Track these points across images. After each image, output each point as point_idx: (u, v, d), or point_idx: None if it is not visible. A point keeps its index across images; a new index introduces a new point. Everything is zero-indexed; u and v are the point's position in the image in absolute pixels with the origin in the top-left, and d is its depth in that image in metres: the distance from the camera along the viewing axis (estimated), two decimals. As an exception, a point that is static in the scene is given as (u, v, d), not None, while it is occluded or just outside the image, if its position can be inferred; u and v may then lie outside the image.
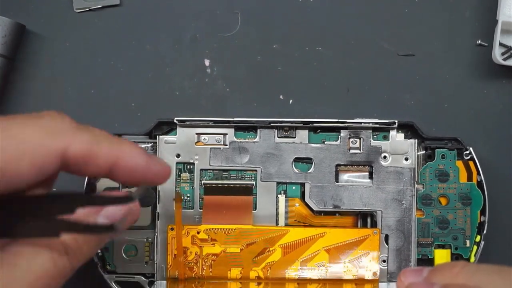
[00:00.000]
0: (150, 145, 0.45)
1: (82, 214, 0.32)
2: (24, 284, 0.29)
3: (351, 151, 0.44)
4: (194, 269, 0.43)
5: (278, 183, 0.44)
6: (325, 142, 0.44)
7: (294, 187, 0.45)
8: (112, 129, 0.46)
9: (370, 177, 0.44)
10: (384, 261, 0.44)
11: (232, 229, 0.43)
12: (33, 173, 0.30)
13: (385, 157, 0.44)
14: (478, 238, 0.44)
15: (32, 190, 0.31)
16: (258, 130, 0.44)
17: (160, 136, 0.44)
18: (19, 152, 0.29)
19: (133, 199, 0.32)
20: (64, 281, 0.31)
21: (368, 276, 0.43)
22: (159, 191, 0.44)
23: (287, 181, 0.44)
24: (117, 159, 0.32)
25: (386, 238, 0.44)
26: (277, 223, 0.44)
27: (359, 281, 0.43)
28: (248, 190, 0.44)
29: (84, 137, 0.31)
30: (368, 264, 0.43)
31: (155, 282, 0.44)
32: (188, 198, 0.44)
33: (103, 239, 0.34)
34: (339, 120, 0.44)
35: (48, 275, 0.30)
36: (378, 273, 0.43)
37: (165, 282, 0.43)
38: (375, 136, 0.44)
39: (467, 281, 0.34)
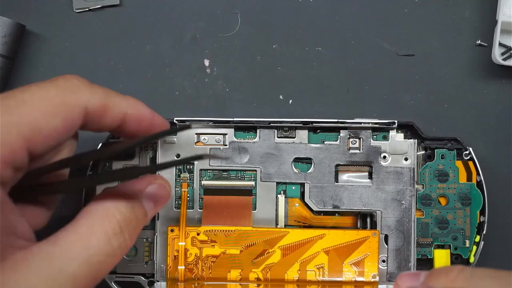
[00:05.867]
0: (150, 145, 0.45)
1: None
2: (80, 263, 0.31)
3: (350, 151, 0.44)
4: (194, 270, 0.43)
5: (277, 183, 0.44)
6: (325, 142, 0.44)
7: (293, 187, 0.45)
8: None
9: (370, 177, 0.44)
10: (383, 261, 0.44)
11: (231, 230, 0.43)
12: (65, 128, 0.32)
13: (384, 157, 0.44)
14: (477, 238, 0.44)
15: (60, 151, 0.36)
16: (258, 130, 0.44)
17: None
18: (51, 109, 0.32)
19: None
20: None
21: (368, 278, 0.43)
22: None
23: (287, 181, 0.44)
24: (127, 109, 0.36)
25: (386, 238, 0.44)
26: (276, 223, 0.44)
27: (359, 283, 0.43)
28: (247, 191, 0.44)
29: (99, 92, 0.34)
30: (367, 266, 0.43)
31: (155, 283, 0.44)
32: (188, 198, 0.44)
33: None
34: (339, 120, 0.44)
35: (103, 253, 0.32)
36: (377, 275, 0.43)
37: (165, 282, 0.43)
38: (374, 136, 0.44)
39: (464, 285, 0.34)
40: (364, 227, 0.45)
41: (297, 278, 0.43)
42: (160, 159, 0.44)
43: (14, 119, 0.30)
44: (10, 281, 0.29)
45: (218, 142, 0.44)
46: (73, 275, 0.30)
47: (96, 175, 0.44)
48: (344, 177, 0.44)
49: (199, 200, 0.44)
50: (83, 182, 0.40)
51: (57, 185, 0.36)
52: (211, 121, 0.44)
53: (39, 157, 0.33)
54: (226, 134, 0.44)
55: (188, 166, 0.44)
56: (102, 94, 0.34)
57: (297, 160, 0.44)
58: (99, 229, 0.32)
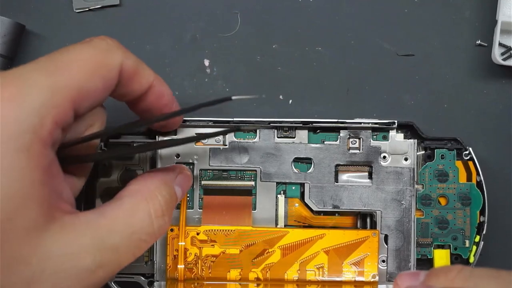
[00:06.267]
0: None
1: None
2: (123, 237, 0.32)
3: (350, 151, 0.44)
4: (194, 270, 0.43)
5: (277, 183, 0.44)
6: (325, 142, 0.44)
7: (293, 187, 0.45)
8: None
9: (370, 177, 0.44)
10: (383, 261, 0.44)
11: (231, 230, 0.43)
12: (105, 88, 0.34)
13: (384, 157, 0.44)
14: (477, 238, 0.44)
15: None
16: (258, 130, 0.44)
17: (160, 136, 0.44)
18: (91, 70, 0.33)
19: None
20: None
21: (367, 278, 0.43)
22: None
23: (287, 181, 0.44)
24: (154, 81, 0.37)
25: (386, 238, 0.44)
26: (276, 223, 0.44)
27: (358, 283, 0.43)
28: (247, 191, 0.44)
29: (132, 55, 0.35)
30: (367, 266, 0.43)
31: (155, 283, 0.44)
32: (188, 198, 0.44)
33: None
34: (339, 120, 0.44)
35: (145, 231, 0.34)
36: (377, 275, 0.43)
37: (164, 282, 0.43)
38: (374, 136, 0.44)
39: (463, 285, 0.34)
40: (364, 227, 0.45)
41: (297, 278, 0.43)
42: (160, 159, 0.44)
43: (61, 81, 0.31)
44: (57, 242, 0.30)
45: (218, 142, 0.44)
46: (115, 247, 0.32)
47: (131, 146, 0.44)
48: (344, 177, 0.44)
49: (199, 200, 0.44)
50: (113, 152, 0.43)
51: (88, 156, 0.38)
52: (211, 121, 0.44)
53: (80, 117, 0.35)
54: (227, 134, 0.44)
55: (188, 166, 0.44)
56: (134, 58, 0.35)
57: (297, 160, 0.44)
58: (143, 209, 0.34)
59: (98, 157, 0.41)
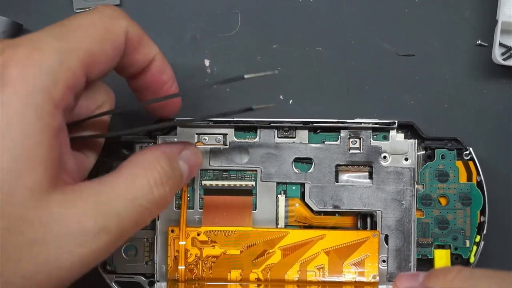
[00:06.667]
0: (150, 144, 0.45)
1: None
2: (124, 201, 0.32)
3: (351, 151, 0.44)
4: (194, 271, 0.43)
5: (278, 183, 0.44)
6: (325, 142, 0.44)
7: (294, 187, 0.45)
8: (112, 128, 0.46)
9: (370, 177, 0.44)
10: (384, 261, 0.44)
11: (232, 231, 0.43)
12: (113, 53, 0.34)
13: (385, 157, 0.44)
14: (478, 238, 0.44)
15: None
16: (258, 130, 0.44)
17: (160, 136, 0.44)
18: (100, 34, 0.33)
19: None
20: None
21: (368, 278, 0.43)
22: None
23: (287, 181, 0.44)
24: (157, 54, 0.37)
25: (386, 238, 0.44)
26: (277, 223, 0.44)
27: (359, 283, 0.43)
28: (247, 191, 0.44)
29: (137, 24, 0.35)
30: (367, 267, 0.43)
31: (155, 283, 0.44)
32: (189, 198, 0.44)
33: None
34: (339, 120, 0.44)
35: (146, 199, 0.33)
36: (378, 275, 0.43)
37: (165, 283, 0.43)
38: (375, 136, 0.44)
39: (462, 286, 0.34)
40: (364, 227, 0.45)
41: (297, 279, 0.43)
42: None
43: (72, 44, 0.31)
44: (59, 206, 0.30)
45: (218, 142, 0.44)
46: (117, 211, 0.32)
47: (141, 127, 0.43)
48: (344, 177, 0.44)
49: (200, 200, 0.44)
50: (123, 132, 0.42)
51: (98, 134, 0.38)
52: (211, 121, 0.44)
53: (90, 95, 0.37)
54: (227, 134, 0.44)
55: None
56: (139, 27, 0.36)
57: (297, 160, 0.44)
58: (143, 177, 0.33)
59: (108, 135, 0.41)
